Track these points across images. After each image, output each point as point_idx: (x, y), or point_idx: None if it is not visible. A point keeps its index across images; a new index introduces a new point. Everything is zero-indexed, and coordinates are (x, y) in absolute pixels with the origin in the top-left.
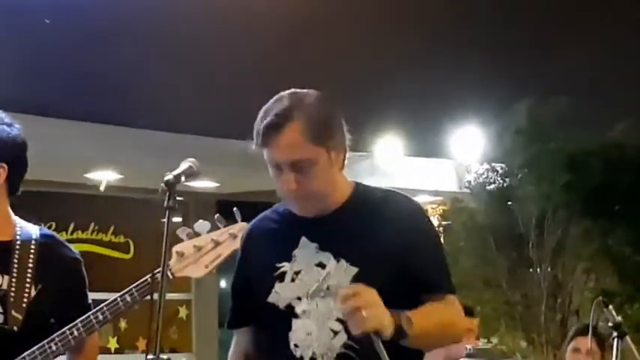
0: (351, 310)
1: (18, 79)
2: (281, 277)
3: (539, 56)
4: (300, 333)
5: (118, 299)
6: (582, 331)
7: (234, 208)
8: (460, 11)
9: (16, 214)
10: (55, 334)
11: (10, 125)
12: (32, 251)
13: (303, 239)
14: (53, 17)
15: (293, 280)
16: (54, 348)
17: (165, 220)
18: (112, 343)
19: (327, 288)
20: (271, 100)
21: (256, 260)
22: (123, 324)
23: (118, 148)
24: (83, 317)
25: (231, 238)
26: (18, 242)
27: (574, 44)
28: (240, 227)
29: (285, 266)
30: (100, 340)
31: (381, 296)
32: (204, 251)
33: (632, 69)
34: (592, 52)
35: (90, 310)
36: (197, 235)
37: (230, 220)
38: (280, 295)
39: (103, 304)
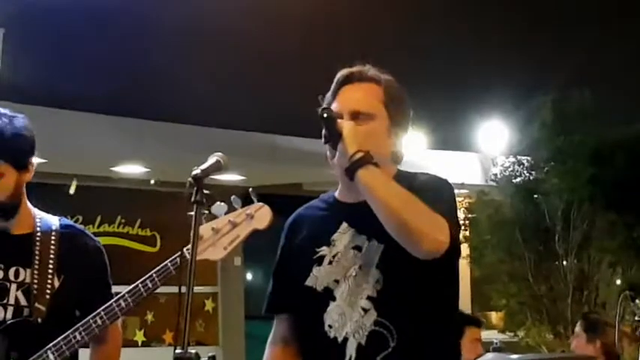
0: None
1: (45, 74)
2: (319, 261)
3: (564, 49)
4: (333, 314)
5: (140, 285)
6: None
7: (250, 189)
8: (485, 4)
9: (42, 208)
10: (79, 324)
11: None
12: (53, 242)
13: (344, 224)
14: (80, 11)
15: (330, 263)
16: (78, 337)
17: (192, 213)
18: (139, 336)
19: (360, 268)
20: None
21: (298, 246)
22: (149, 317)
23: (145, 142)
24: (106, 305)
25: (248, 218)
26: (38, 234)
27: (598, 37)
28: (257, 207)
29: (324, 250)
30: (127, 333)
31: (408, 268)
32: (222, 233)
33: None
34: (616, 44)
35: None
36: (214, 217)
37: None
38: (318, 278)
39: (124, 292)
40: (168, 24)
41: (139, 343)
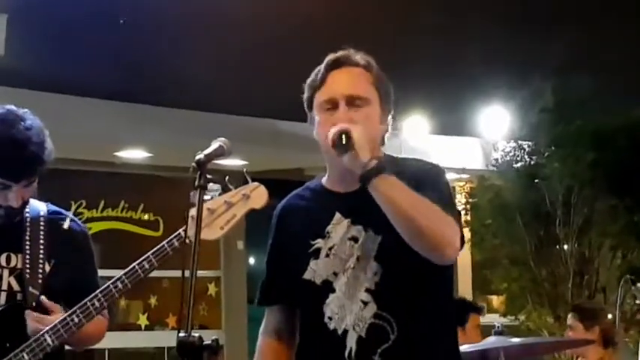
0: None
1: (49, 59)
2: (316, 254)
3: (565, 34)
4: (333, 306)
5: (136, 267)
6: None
7: (244, 169)
8: None
9: (46, 193)
10: (76, 307)
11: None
12: (42, 228)
13: (337, 215)
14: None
15: (327, 255)
16: (76, 320)
17: (193, 194)
18: (142, 320)
19: (358, 259)
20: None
21: (290, 238)
22: (153, 301)
23: (147, 127)
24: (103, 287)
25: (244, 198)
26: (28, 220)
27: (600, 21)
28: (252, 187)
29: (320, 243)
30: (131, 316)
31: (406, 260)
32: (218, 213)
33: None
34: (617, 29)
35: (98, 285)
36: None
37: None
38: (316, 271)
39: (121, 273)
40: (170, 9)
41: (143, 327)
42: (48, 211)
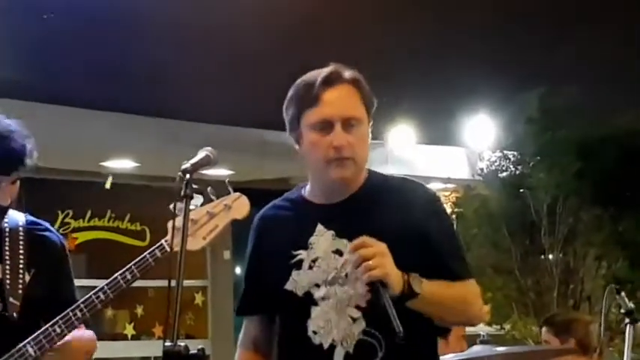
0: (360, 257)
1: (34, 68)
2: (298, 265)
3: (551, 44)
4: (319, 320)
5: (119, 277)
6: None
7: (226, 180)
8: (475, 1)
9: (32, 203)
10: (57, 317)
11: None
12: (21, 238)
13: (319, 227)
14: (71, 6)
15: (311, 267)
16: (58, 331)
17: (181, 207)
18: (129, 330)
19: (346, 275)
20: (313, 72)
21: (270, 248)
22: (139, 310)
23: (134, 137)
24: (85, 297)
25: (226, 209)
26: (7, 230)
27: (585, 32)
28: (234, 198)
29: (302, 254)
30: (117, 326)
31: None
32: (200, 224)
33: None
34: (602, 39)
35: (75, 296)
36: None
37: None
38: (298, 282)
39: (103, 284)
40: (158, 19)
41: (129, 337)
42: (26, 221)
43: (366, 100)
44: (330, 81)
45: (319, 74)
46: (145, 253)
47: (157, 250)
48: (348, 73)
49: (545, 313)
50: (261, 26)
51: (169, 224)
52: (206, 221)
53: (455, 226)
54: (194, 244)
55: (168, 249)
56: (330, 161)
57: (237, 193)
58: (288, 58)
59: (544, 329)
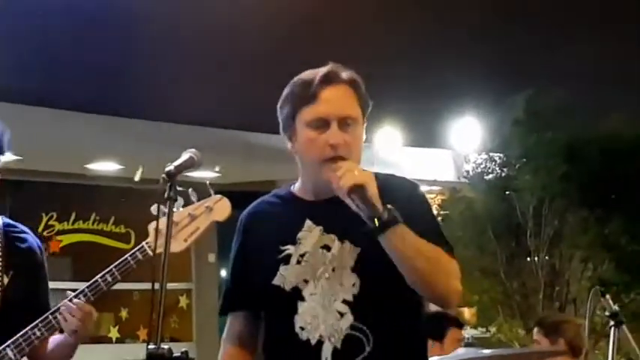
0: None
1: (19, 70)
2: (286, 260)
3: (537, 47)
4: (306, 316)
5: (99, 280)
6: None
7: (207, 182)
8: (460, 2)
9: (17, 205)
10: (37, 320)
11: None
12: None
13: (308, 222)
14: (54, 9)
15: (299, 262)
16: (38, 334)
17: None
18: (113, 333)
19: (333, 270)
20: (310, 70)
21: (258, 243)
22: (124, 313)
23: (119, 139)
24: (66, 300)
25: (207, 211)
26: None
27: (571, 35)
28: (215, 200)
29: (290, 249)
30: (101, 329)
31: (385, 273)
32: (181, 226)
33: (628, 59)
34: (589, 43)
35: (48, 301)
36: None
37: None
38: (286, 277)
39: (84, 287)
40: (142, 20)
41: (114, 340)
42: (3, 224)
43: (362, 102)
44: (328, 79)
45: (317, 72)
46: (126, 256)
47: (137, 253)
48: (346, 74)
49: (531, 316)
50: (248, 28)
51: (150, 226)
52: (187, 223)
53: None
54: (175, 246)
55: (150, 251)
56: (326, 161)
57: (219, 196)
58: (275, 60)
59: (535, 329)
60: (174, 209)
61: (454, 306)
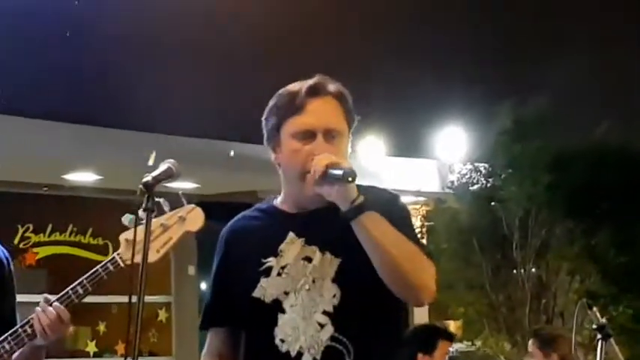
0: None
1: None
2: (267, 272)
3: (523, 57)
4: (286, 328)
5: (70, 292)
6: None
7: (180, 192)
8: (443, 12)
9: None
10: (7, 334)
11: None
12: None
13: (291, 234)
14: (31, 17)
15: (279, 274)
16: (7, 347)
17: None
18: (91, 347)
19: (313, 281)
20: (297, 82)
21: (240, 258)
22: (101, 327)
23: (96, 149)
24: (36, 313)
25: (180, 221)
26: None
27: (557, 45)
28: (188, 209)
29: (272, 261)
30: (78, 343)
31: (366, 283)
32: (154, 236)
33: (615, 69)
34: (575, 53)
35: (15, 314)
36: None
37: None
38: (266, 289)
39: (54, 299)
40: (123, 30)
41: (91, 354)
42: None
43: (349, 115)
44: (315, 91)
45: (304, 84)
46: (97, 267)
47: (109, 264)
48: (333, 86)
49: (518, 329)
50: (227, 39)
51: (122, 237)
52: (160, 233)
53: (424, 240)
54: (148, 256)
55: (121, 262)
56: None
57: (192, 205)
58: (255, 71)
59: (531, 341)
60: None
61: (426, 303)
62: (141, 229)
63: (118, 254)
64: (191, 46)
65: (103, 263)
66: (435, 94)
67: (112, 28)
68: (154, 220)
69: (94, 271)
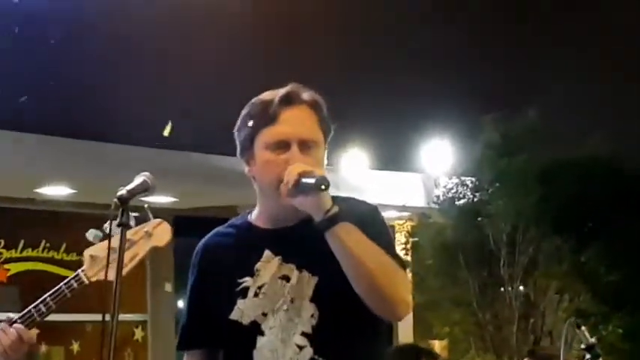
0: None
1: None
2: (243, 293)
3: (509, 69)
4: (264, 351)
5: (32, 310)
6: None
7: (145, 205)
8: (429, 25)
9: None
10: None
11: None
12: None
13: (267, 252)
14: (3, 28)
15: (256, 294)
16: None
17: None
18: None
19: (292, 301)
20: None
21: (214, 277)
22: (75, 347)
23: (70, 162)
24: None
25: (146, 236)
26: None
27: (544, 58)
28: (154, 224)
29: (248, 281)
30: None
31: (343, 302)
32: (119, 252)
33: (603, 82)
34: (563, 66)
35: None
36: (108, 236)
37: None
38: (244, 311)
39: (16, 317)
40: (96, 40)
41: None
42: None
43: (324, 124)
44: (288, 100)
45: (277, 93)
46: (61, 284)
47: (73, 281)
48: (307, 94)
49: (505, 349)
50: (205, 51)
51: (86, 252)
52: (126, 249)
53: (409, 257)
54: (110, 273)
55: (86, 279)
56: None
57: (159, 220)
58: (233, 84)
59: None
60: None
61: (402, 318)
62: (105, 244)
63: (82, 271)
64: (168, 58)
65: (67, 280)
66: (420, 106)
67: (88, 40)
68: (118, 235)
69: (58, 289)
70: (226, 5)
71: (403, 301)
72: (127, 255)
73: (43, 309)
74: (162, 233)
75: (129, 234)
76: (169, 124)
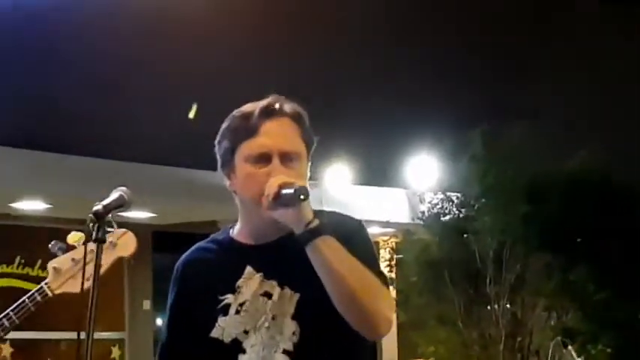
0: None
1: None
2: (225, 310)
3: (496, 84)
4: None
5: None
6: None
7: (109, 215)
8: (414, 39)
9: None
10: None
11: None
12: None
13: (248, 269)
14: None
15: (238, 312)
16: None
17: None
18: None
19: (273, 318)
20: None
21: (195, 294)
22: None
23: (46, 176)
24: None
25: (111, 246)
26: None
27: (532, 73)
28: (119, 234)
29: (229, 298)
30: None
31: (325, 319)
32: (82, 264)
33: (593, 97)
34: (552, 78)
35: None
36: (72, 247)
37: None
38: (225, 329)
39: None
40: (72, 55)
41: None
42: None
43: (306, 136)
44: (269, 112)
45: (257, 105)
46: (24, 298)
47: (36, 294)
48: (288, 106)
49: None
50: (187, 63)
51: (50, 265)
52: (89, 261)
53: (393, 274)
54: (76, 285)
55: (49, 292)
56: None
57: (123, 229)
58: (214, 96)
59: None
60: (74, 246)
61: (383, 336)
62: (68, 257)
63: (46, 284)
64: (145, 71)
65: (30, 293)
66: (405, 120)
67: (63, 53)
68: (82, 246)
69: (21, 303)
70: (204, 18)
71: (385, 318)
72: (91, 267)
73: (6, 324)
74: (126, 243)
75: (93, 245)
76: (194, 105)
